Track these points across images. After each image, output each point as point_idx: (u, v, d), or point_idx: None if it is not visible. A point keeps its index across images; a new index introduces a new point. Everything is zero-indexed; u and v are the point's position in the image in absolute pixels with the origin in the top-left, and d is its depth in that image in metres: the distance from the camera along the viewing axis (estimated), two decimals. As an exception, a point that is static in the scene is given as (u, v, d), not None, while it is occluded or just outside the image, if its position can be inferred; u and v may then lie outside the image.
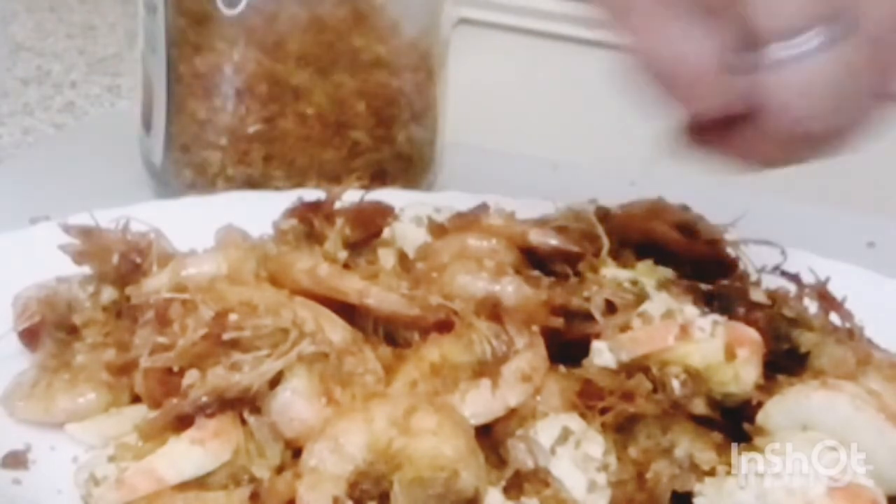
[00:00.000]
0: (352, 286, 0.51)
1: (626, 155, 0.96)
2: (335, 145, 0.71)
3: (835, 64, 0.39)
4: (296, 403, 0.46)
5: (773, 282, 0.55)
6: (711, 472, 0.45)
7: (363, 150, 0.72)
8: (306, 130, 0.70)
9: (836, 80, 0.40)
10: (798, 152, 0.44)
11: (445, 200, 0.62)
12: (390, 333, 0.51)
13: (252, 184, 0.70)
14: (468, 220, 0.58)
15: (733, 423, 0.47)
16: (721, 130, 0.44)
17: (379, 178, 0.69)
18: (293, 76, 0.69)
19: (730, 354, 0.47)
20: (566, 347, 0.50)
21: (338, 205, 0.59)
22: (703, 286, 0.54)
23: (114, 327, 0.53)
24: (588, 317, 0.50)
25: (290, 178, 0.70)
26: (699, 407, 0.47)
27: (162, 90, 0.71)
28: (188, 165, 0.72)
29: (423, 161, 0.76)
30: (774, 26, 0.39)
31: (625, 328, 0.49)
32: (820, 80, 0.40)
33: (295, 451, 0.46)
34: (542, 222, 0.58)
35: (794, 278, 0.55)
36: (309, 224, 0.58)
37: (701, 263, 0.57)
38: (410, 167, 0.75)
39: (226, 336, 0.46)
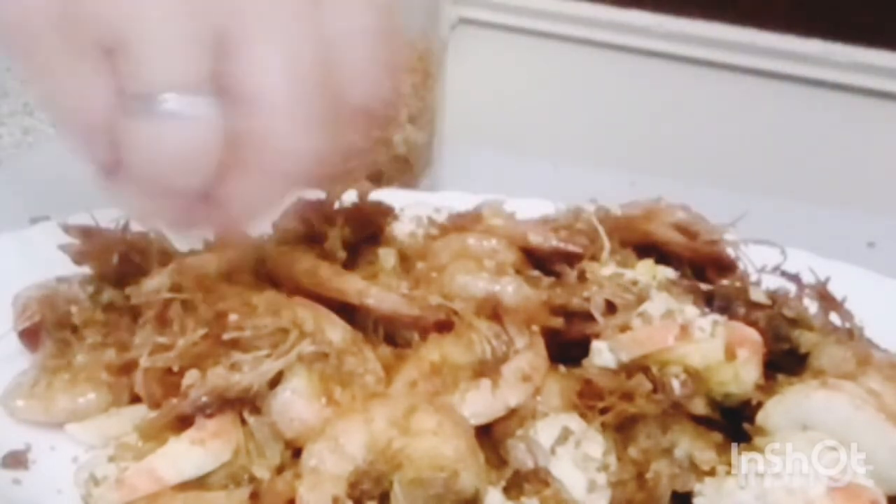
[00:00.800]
0: (352, 286, 0.51)
1: (626, 155, 0.96)
2: (331, 146, 0.71)
3: (209, 129, 0.40)
4: (296, 403, 0.46)
5: (773, 282, 0.55)
6: (711, 472, 0.45)
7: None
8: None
9: (193, 138, 0.40)
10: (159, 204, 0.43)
11: (445, 200, 0.62)
12: (390, 333, 0.51)
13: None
14: (468, 220, 0.58)
15: (733, 423, 0.47)
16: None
17: (375, 179, 0.68)
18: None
19: (730, 354, 0.47)
20: (566, 347, 0.50)
21: (337, 205, 0.59)
22: (703, 286, 0.54)
23: (114, 327, 0.53)
24: (588, 317, 0.50)
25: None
26: (699, 407, 0.47)
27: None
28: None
29: (420, 163, 0.76)
30: (147, 82, 0.39)
31: (625, 328, 0.49)
32: (179, 137, 0.40)
33: (295, 451, 0.46)
34: (542, 222, 0.58)
35: (794, 278, 0.55)
36: (309, 224, 0.58)
37: (701, 263, 0.57)
38: (407, 169, 0.75)
39: (226, 336, 0.46)
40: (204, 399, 0.45)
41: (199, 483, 0.44)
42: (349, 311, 0.51)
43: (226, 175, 0.41)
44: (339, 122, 0.42)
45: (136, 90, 0.39)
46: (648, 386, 0.46)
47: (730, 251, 0.57)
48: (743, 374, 0.47)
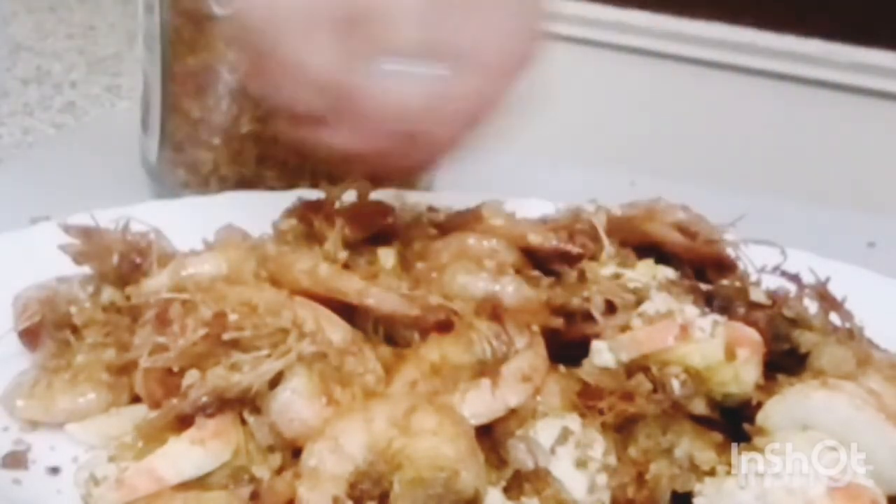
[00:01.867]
0: (352, 286, 0.51)
1: (626, 155, 0.96)
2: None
3: (430, 86, 0.50)
4: (296, 403, 0.46)
5: (773, 282, 0.55)
6: (711, 472, 0.45)
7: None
8: (299, 131, 0.70)
9: (426, 97, 0.50)
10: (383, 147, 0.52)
11: (445, 200, 0.62)
12: (390, 333, 0.51)
13: (245, 183, 0.70)
14: (468, 220, 0.58)
15: (733, 423, 0.47)
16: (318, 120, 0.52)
17: (373, 180, 0.68)
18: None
19: (730, 354, 0.47)
20: (566, 347, 0.50)
21: (337, 205, 0.59)
22: (703, 286, 0.54)
23: (114, 327, 0.53)
24: (588, 317, 0.50)
25: (283, 179, 0.70)
26: (699, 407, 0.47)
27: (157, 89, 0.71)
28: (182, 164, 0.71)
29: (420, 163, 0.76)
30: (392, 47, 0.49)
31: (625, 328, 0.49)
32: (413, 94, 0.50)
33: (295, 451, 0.46)
34: (542, 222, 0.58)
35: (794, 278, 0.55)
36: (309, 224, 0.58)
37: (701, 263, 0.57)
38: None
39: (226, 336, 0.46)
40: (204, 399, 0.45)
41: (199, 483, 0.44)
42: (349, 311, 0.51)
43: (431, 120, 0.51)
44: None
45: (378, 53, 0.49)
46: (648, 386, 0.46)
47: (730, 251, 0.57)
48: (743, 374, 0.47)
